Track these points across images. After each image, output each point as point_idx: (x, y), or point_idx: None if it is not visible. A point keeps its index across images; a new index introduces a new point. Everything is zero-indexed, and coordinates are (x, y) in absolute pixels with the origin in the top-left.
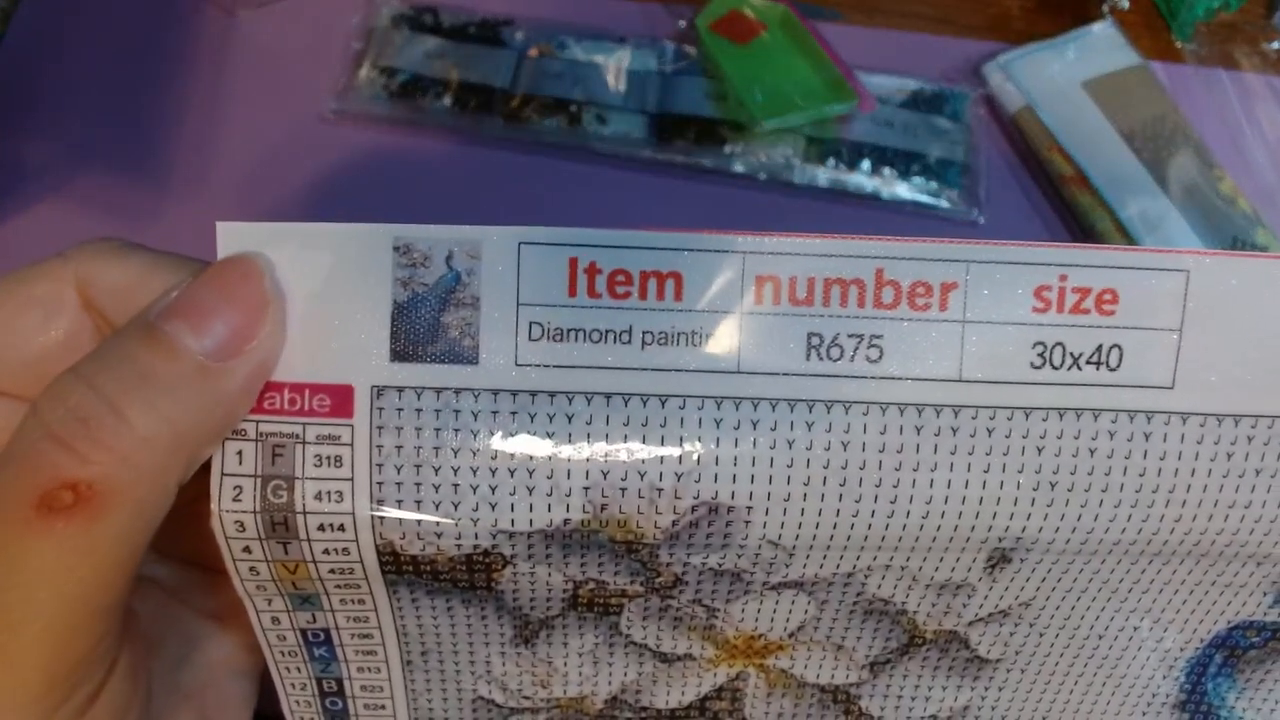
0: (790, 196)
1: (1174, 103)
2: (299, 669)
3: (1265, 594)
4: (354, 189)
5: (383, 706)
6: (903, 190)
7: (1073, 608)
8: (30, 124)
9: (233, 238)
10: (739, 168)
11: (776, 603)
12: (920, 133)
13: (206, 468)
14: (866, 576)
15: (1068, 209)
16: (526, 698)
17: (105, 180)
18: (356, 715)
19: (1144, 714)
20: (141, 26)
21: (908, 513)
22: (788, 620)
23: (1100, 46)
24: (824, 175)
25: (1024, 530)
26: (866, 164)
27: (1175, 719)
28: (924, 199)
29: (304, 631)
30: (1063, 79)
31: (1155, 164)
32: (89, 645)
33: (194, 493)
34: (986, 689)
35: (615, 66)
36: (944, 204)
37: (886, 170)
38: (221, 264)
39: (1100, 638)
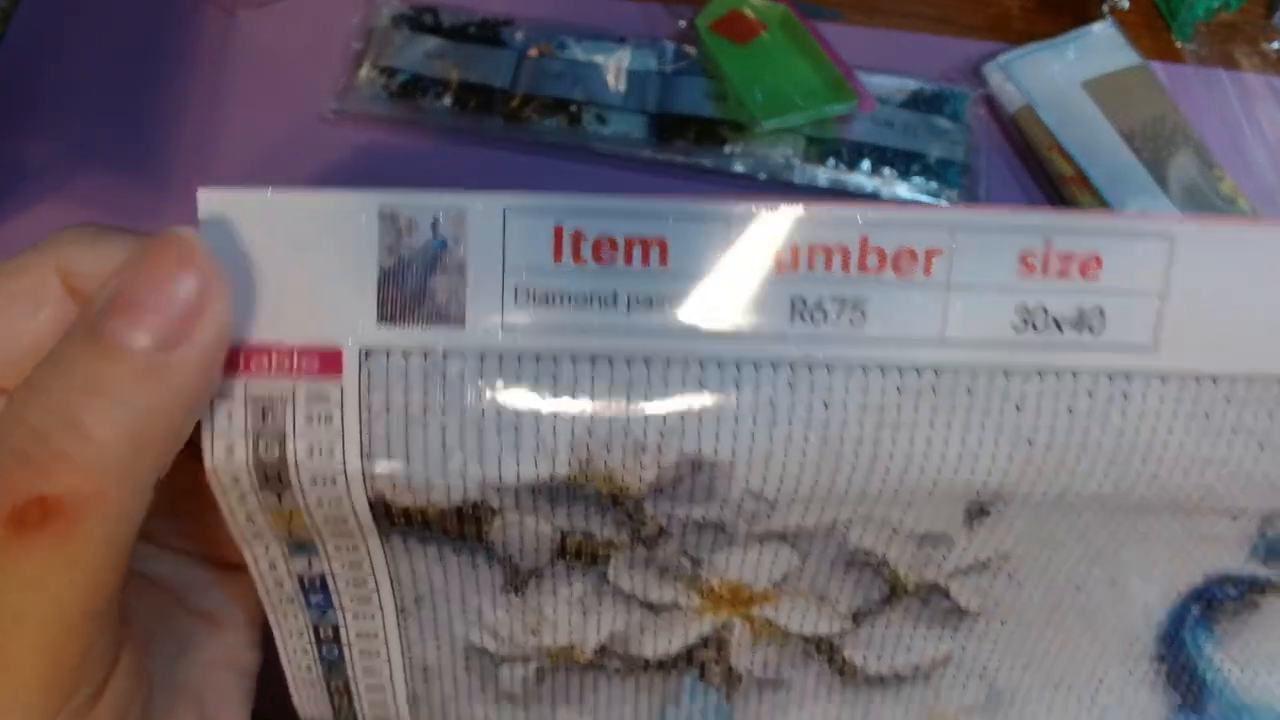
0: (790, 197)
1: (1174, 103)
2: (296, 616)
3: (1241, 547)
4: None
5: (378, 654)
6: (903, 190)
7: (1050, 560)
8: (30, 124)
9: (215, 204)
10: (739, 168)
11: (760, 553)
12: (920, 133)
13: (197, 447)
14: (848, 528)
15: (1068, 209)
16: (517, 645)
17: (105, 180)
18: (352, 663)
19: (1122, 663)
20: (141, 26)
21: (888, 469)
22: (771, 570)
23: (1100, 46)
24: (824, 175)
25: (1002, 485)
26: (866, 164)
27: (1153, 670)
28: (924, 199)
29: (301, 578)
30: (1063, 79)
31: (1155, 164)
32: (85, 646)
33: (187, 484)
34: (966, 640)
35: (615, 66)
36: (944, 204)
37: (886, 170)
38: (153, 248)
39: (1078, 590)
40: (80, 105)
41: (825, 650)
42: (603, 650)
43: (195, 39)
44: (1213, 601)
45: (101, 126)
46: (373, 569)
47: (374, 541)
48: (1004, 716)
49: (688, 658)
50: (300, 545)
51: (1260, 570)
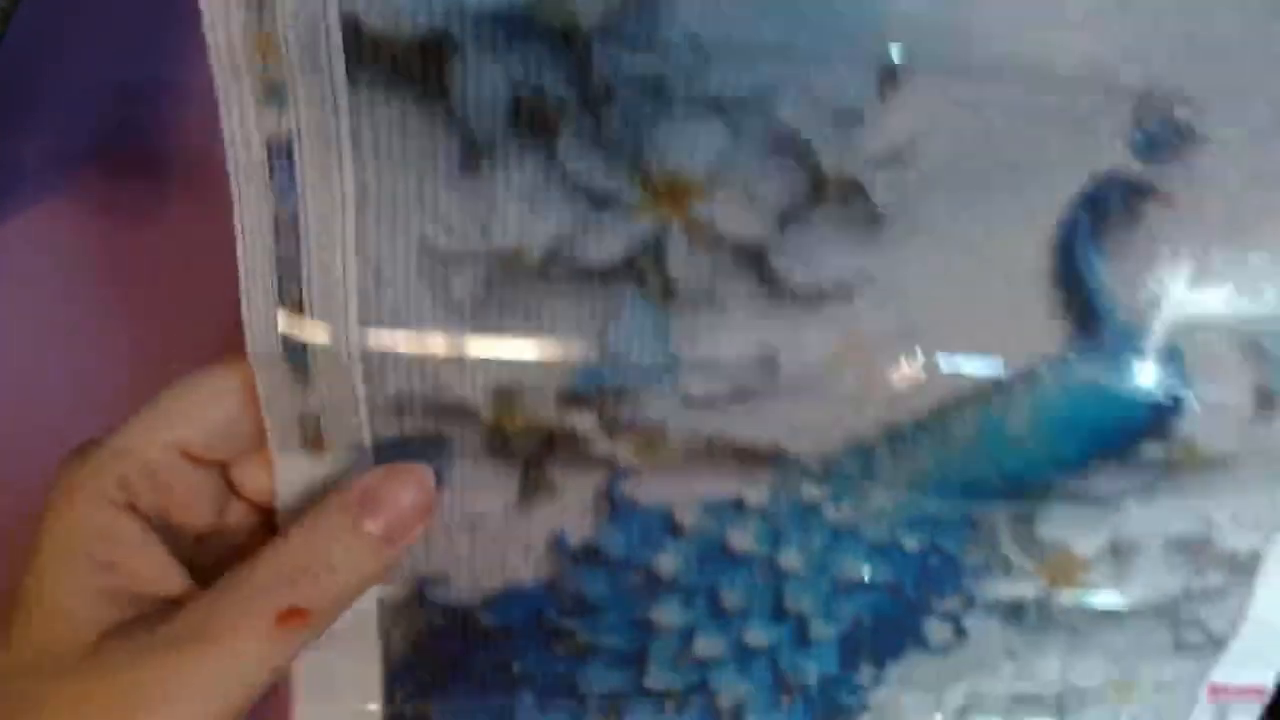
0: None
1: None
2: (260, 200)
3: (1119, 137)
4: None
5: (333, 252)
6: None
7: (956, 153)
8: (30, 124)
9: None
10: None
11: (697, 127)
12: None
13: None
14: (775, 97)
15: None
16: (469, 243)
17: (105, 180)
18: (308, 261)
19: (1023, 291)
20: (141, 26)
21: (806, 20)
22: (706, 149)
23: None
24: None
25: (913, 46)
26: None
27: (1051, 297)
28: None
29: (269, 143)
30: None
31: None
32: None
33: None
34: (882, 254)
35: None
36: None
37: None
38: (405, 474)
39: (982, 199)
40: (80, 105)
41: (755, 261)
42: (549, 256)
43: (195, 39)
44: (1100, 209)
45: (101, 126)
46: (337, 132)
47: (342, 93)
48: (916, 346)
49: (629, 266)
50: (274, 89)
51: (1140, 170)
